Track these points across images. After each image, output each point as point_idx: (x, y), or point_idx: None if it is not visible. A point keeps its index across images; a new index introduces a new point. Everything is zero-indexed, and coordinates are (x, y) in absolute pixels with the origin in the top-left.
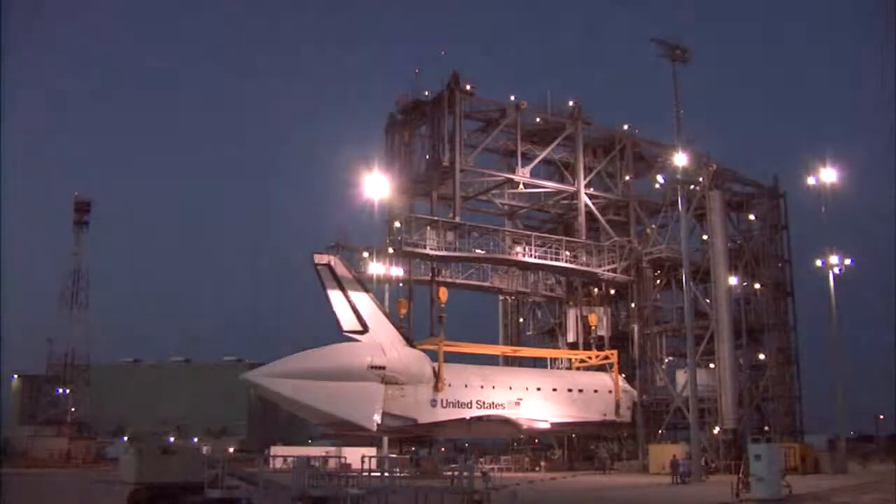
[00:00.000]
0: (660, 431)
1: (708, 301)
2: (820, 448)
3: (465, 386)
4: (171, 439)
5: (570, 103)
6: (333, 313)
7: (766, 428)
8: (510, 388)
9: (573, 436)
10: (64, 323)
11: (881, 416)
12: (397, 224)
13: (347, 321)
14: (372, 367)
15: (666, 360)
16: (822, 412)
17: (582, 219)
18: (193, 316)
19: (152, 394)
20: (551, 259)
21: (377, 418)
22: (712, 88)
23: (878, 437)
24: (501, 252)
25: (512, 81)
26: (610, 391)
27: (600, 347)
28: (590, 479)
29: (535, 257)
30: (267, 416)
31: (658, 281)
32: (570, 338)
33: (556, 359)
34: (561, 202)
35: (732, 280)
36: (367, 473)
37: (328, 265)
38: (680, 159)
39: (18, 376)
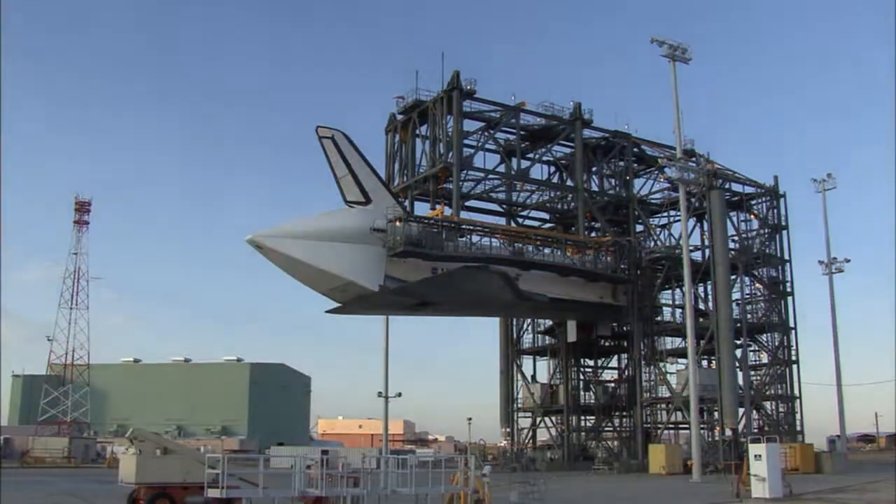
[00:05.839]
0: (659, 431)
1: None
2: (820, 448)
3: None
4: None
5: (571, 103)
6: (337, 184)
7: (767, 428)
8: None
9: (571, 438)
10: (64, 323)
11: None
12: (398, 224)
13: (350, 192)
14: (375, 231)
15: (666, 360)
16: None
17: (582, 218)
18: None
19: (152, 394)
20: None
21: (379, 280)
22: (713, 88)
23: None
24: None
25: (512, 81)
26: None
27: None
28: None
29: (535, 257)
30: (267, 417)
31: (658, 280)
32: (571, 337)
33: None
34: (561, 202)
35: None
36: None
37: (332, 138)
38: (680, 159)
39: (18, 376)
